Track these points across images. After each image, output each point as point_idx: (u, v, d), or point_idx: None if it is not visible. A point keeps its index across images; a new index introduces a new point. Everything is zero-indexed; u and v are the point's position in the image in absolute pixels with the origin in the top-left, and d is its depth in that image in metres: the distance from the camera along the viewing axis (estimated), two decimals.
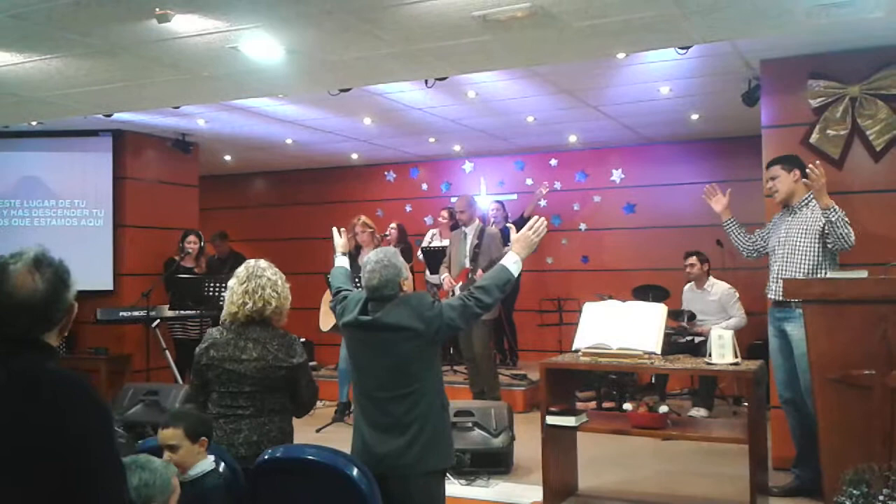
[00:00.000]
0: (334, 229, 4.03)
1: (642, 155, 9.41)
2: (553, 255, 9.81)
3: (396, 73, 5.58)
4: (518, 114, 7.62)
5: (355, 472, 2.90)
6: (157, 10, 4.02)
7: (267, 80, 5.52)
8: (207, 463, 2.91)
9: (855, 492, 3.09)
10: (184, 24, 4.29)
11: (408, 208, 10.64)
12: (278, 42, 4.66)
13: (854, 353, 3.60)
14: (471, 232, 6.99)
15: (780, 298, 4.63)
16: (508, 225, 3.98)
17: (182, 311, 7.54)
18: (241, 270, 3.46)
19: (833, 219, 4.51)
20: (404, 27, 4.41)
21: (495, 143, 9.17)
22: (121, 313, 7.42)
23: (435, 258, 7.62)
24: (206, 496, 2.83)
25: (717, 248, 8.25)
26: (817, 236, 4.69)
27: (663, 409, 4.86)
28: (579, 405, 5.65)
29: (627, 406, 5.49)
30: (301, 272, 8.08)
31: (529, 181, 9.91)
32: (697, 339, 6.97)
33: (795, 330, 4.54)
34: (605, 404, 7.33)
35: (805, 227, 4.75)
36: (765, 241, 5.11)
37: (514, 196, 9.87)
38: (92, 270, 8.03)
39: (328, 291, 3.69)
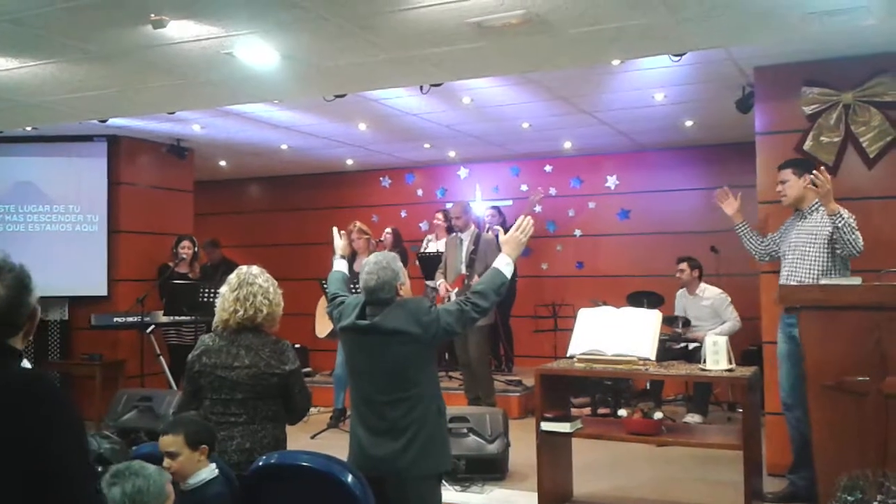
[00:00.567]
0: (335, 230, 4.03)
1: (637, 161, 9.43)
2: (548, 261, 9.82)
3: (391, 79, 5.59)
4: (513, 120, 7.64)
5: (350, 478, 2.89)
6: (153, 15, 4.02)
7: (262, 85, 5.52)
8: (209, 471, 2.90)
9: (849, 498, 3.09)
10: (179, 30, 4.29)
11: (403, 214, 10.64)
12: (273, 48, 4.67)
13: (848, 359, 3.61)
14: (467, 238, 6.99)
15: None
16: (497, 228, 3.99)
17: (176, 317, 7.52)
18: (232, 277, 3.45)
19: (839, 225, 4.48)
20: (399, 33, 4.41)
21: (490, 149, 9.18)
22: (115, 319, 7.40)
23: (430, 264, 7.62)
24: None
25: (712, 254, 8.28)
26: (826, 242, 4.65)
27: (658, 415, 4.86)
28: (574, 411, 5.66)
29: (622, 412, 5.51)
30: (296, 278, 8.07)
31: (524, 187, 9.92)
32: (692, 346, 6.98)
33: None
34: (600, 410, 7.33)
35: (814, 233, 4.72)
36: (777, 245, 5.06)
37: (510, 202, 9.87)
38: (86, 276, 8.03)
39: (324, 297, 3.69)
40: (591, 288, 9.13)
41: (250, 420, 3.28)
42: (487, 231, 7.56)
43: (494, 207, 9.14)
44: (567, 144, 9.01)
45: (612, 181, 9.56)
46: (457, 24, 4.24)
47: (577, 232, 9.73)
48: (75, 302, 8.15)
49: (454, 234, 7.28)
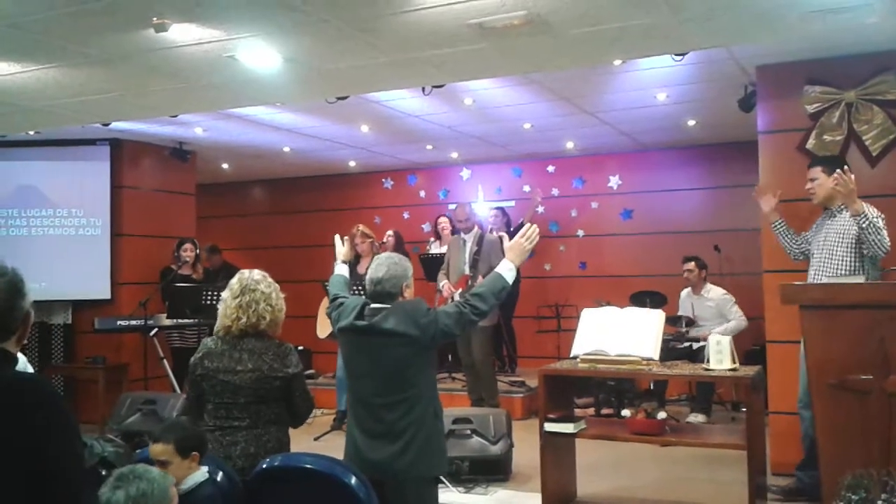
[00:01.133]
0: (336, 237, 4.04)
1: (639, 161, 9.43)
2: (551, 261, 9.82)
3: (393, 80, 5.59)
4: (515, 121, 7.64)
5: (353, 480, 2.89)
6: (155, 19, 4.03)
7: (264, 88, 5.52)
8: (200, 474, 2.90)
9: (853, 497, 3.08)
10: (181, 34, 4.29)
11: (405, 215, 10.64)
12: (275, 51, 4.67)
13: (851, 358, 3.60)
14: (470, 239, 6.99)
15: None
16: (502, 234, 3.99)
17: (180, 320, 7.53)
18: (234, 283, 3.43)
19: (864, 225, 4.41)
20: (401, 35, 4.42)
21: (493, 149, 9.19)
22: (118, 322, 7.41)
23: (433, 265, 7.62)
24: None
25: (715, 253, 8.27)
26: (854, 241, 4.60)
27: (661, 415, 4.87)
28: (577, 412, 5.65)
29: (626, 412, 5.51)
30: (298, 280, 8.08)
31: (527, 188, 9.92)
32: (695, 345, 6.97)
33: None
34: (604, 411, 7.33)
35: (842, 232, 4.66)
36: (809, 244, 5.00)
37: (512, 203, 9.88)
38: (89, 279, 8.04)
39: (326, 299, 3.70)
40: (594, 288, 9.13)
41: (254, 424, 3.28)
42: (491, 232, 7.56)
43: (499, 208, 9.14)
44: (569, 145, 9.01)
45: (614, 181, 9.56)
46: (458, 26, 4.24)
47: (580, 232, 9.73)
48: (79, 305, 8.17)
49: (457, 234, 7.28)
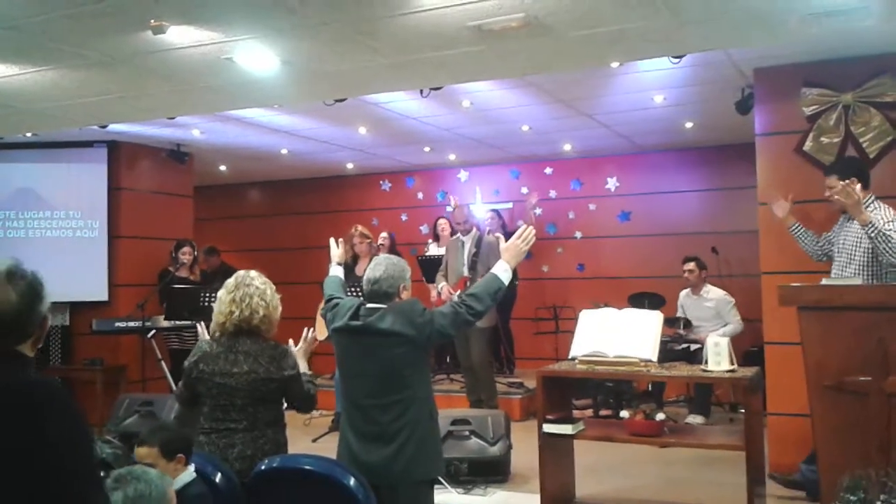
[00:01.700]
0: (332, 240, 4.04)
1: (637, 163, 9.44)
2: (549, 263, 9.82)
3: (391, 83, 5.59)
4: (513, 123, 7.64)
5: (352, 481, 2.90)
6: (153, 21, 4.03)
7: (262, 90, 5.52)
8: (187, 474, 2.89)
9: (852, 498, 3.09)
10: (179, 36, 4.29)
11: (403, 217, 10.64)
12: (273, 53, 4.67)
13: (850, 359, 3.61)
14: (468, 240, 7.00)
15: None
16: (499, 235, 4.00)
17: (177, 322, 7.52)
18: (230, 280, 3.44)
19: (872, 235, 4.35)
20: (399, 38, 4.42)
21: (490, 151, 9.19)
22: (116, 324, 7.40)
23: (431, 267, 7.62)
24: None
25: (713, 255, 8.28)
26: (870, 245, 4.53)
27: (660, 416, 4.87)
28: (576, 413, 5.65)
29: (624, 413, 5.50)
30: (296, 282, 8.08)
31: (524, 189, 9.92)
32: (694, 347, 6.98)
33: None
34: (602, 412, 7.33)
35: (860, 235, 4.59)
36: (831, 245, 4.95)
37: (510, 204, 9.89)
38: (87, 281, 8.03)
39: (323, 301, 3.70)
40: (592, 290, 9.13)
41: (251, 426, 3.27)
42: (488, 234, 7.56)
43: (494, 210, 9.15)
44: (567, 147, 9.02)
45: (612, 183, 9.56)
46: (456, 28, 4.24)
47: (578, 234, 9.73)
48: (76, 307, 8.16)
49: (455, 236, 7.29)
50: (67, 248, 8.02)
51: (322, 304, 3.67)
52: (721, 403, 7.71)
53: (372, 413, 3.26)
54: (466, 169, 10.32)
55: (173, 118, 6.97)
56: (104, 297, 8.12)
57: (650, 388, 7.49)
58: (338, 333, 3.39)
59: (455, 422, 5.50)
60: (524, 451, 5.49)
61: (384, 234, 8.45)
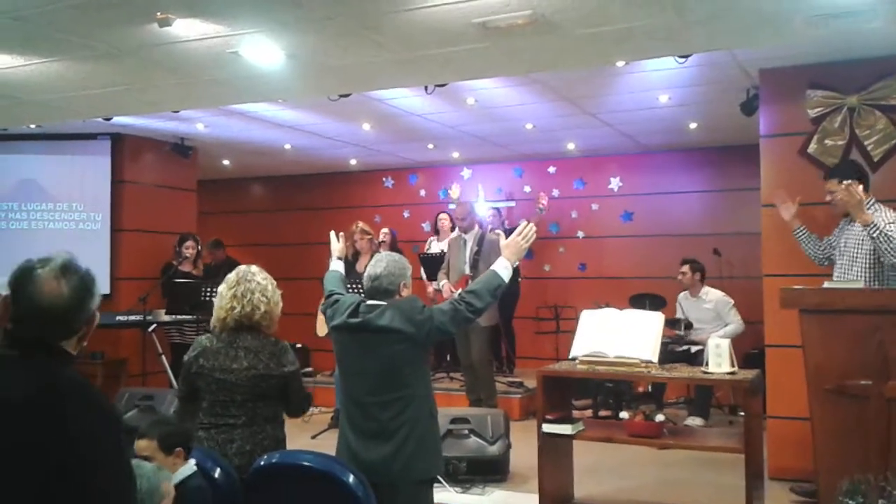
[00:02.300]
0: (332, 233, 4.04)
1: (640, 163, 9.43)
2: (550, 262, 9.82)
3: (396, 79, 5.59)
4: (517, 121, 7.64)
5: (351, 478, 2.89)
6: (159, 14, 4.03)
7: (267, 84, 5.52)
8: (188, 468, 2.89)
9: (851, 502, 3.09)
10: (185, 29, 4.29)
11: (406, 214, 10.64)
12: (279, 47, 4.67)
13: (850, 363, 3.61)
14: (470, 238, 6.99)
15: None
16: (499, 232, 3.99)
17: (179, 316, 7.52)
18: (231, 275, 3.44)
19: (874, 236, 4.40)
20: (405, 33, 4.41)
21: (494, 149, 9.18)
22: (117, 317, 7.40)
23: (433, 264, 7.62)
24: (188, 497, 2.81)
25: (715, 256, 8.27)
26: (872, 247, 4.57)
27: (660, 417, 4.87)
28: (576, 413, 5.64)
29: (624, 414, 5.51)
30: (298, 277, 8.10)
31: (528, 188, 9.93)
32: (694, 349, 6.97)
33: None
34: (602, 413, 7.32)
35: (862, 237, 4.64)
36: (833, 249, 4.98)
37: (513, 203, 9.89)
38: None
39: (324, 297, 3.70)
40: (593, 290, 9.13)
41: (250, 422, 3.26)
42: (490, 232, 7.55)
43: (494, 208, 9.15)
44: (570, 146, 9.01)
45: (615, 183, 9.55)
46: (462, 25, 4.23)
47: (580, 233, 9.73)
48: None
49: (458, 234, 7.28)
50: (70, 240, 8.00)
51: (323, 300, 3.66)
52: (721, 406, 7.70)
53: (371, 410, 3.25)
54: (470, 166, 10.32)
55: (178, 111, 6.98)
56: (106, 290, 8.10)
57: (650, 390, 7.48)
58: (337, 331, 3.38)
59: (454, 420, 5.50)
60: (523, 451, 5.49)
61: (385, 231, 8.45)
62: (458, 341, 6.90)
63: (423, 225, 10.38)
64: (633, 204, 9.46)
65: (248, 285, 3.37)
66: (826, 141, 5.43)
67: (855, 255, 4.71)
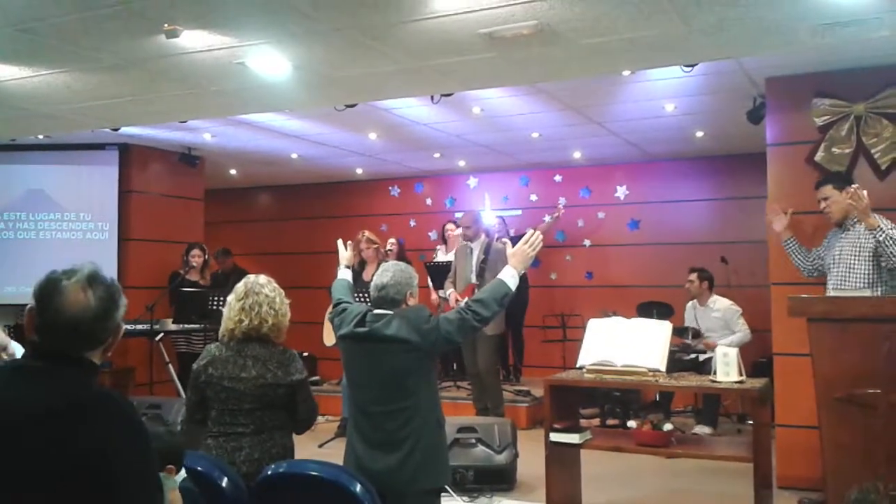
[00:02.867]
0: (339, 242, 4.04)
1: (647, 172, 9.42)
2: (557, 270, 9.81)
3: (402, 89, 5.60)
4: (523, 130, 7.64)
5: (358, 488, 2.88)
6: (166, 25, 4.05)
7: (273, 95, 5.54)
8: (179, 477, 2.87)
9: None
10: (192, 40, 4.31)
11: (412, 223, 10.65)
12: (285, 58, 4.69)
13: (859, 371, 3.60)
14: (477, 247, 6.99)
15: None
16: (505, 240, 3.99)
17: (186, 325, 7.54)
18: (239, 286, 3.45)
19: (881, 238, 4.48)
20: (411, 44, 4.43)
21: (500, 158, 9.19)
22: (125, 326, 7.40)
23: (440, 273, 7.62)
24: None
25: (722, 265, 8.25)
26: (870, 254, 4.66)
27: (667, 426, 4.84)
28: (583, 422, 5.63)
29: (632, 423, 5.49)
30: (305, 286, 8.10)
31: (534, 197, 9.93)
32: (702, 357, 6.95)
33: None
34: (609, 421, 7.31)
35: (859, 245, 4.72)
36: (822, 260, 5.06)
37: (519, 212, 9.88)
38: None
39: (331, 306, 3.71)
40: (600, 298, 9.11)
41: (258, 430, 3.27)
42: (497, 241, 7.55)
43: (499, 217, 9.15)
44: (577, 154, 9.01)
45: (621, 191, 9.55)
46: (468, 35, 4.25)
47: (587, 242, 9.72)
48: None
49: (464, 243, 7.28)
50: (77, 250, 8.03)
51: (330, 309, 3.67)
52: (729, 414, 7.67)
53: (378, 420, 3.26)
54: (476, 175, 10.33)
55: (185, 122, 7.00)
56: None
57: (658, 398, 7.47)
58: (344, 340, 3.39)
59: (461, 429, 5.49)
60: (530, 460, 5.47)
61: (392, 241, 8.45)
62: (464, 350, 6.90)
63: (430, 234, 10.39)
64: (640, 212, 9.45)
65: (257, 298, 3.38)
66: (833, 149, 5.42)
67: (852, 263, 4.73)
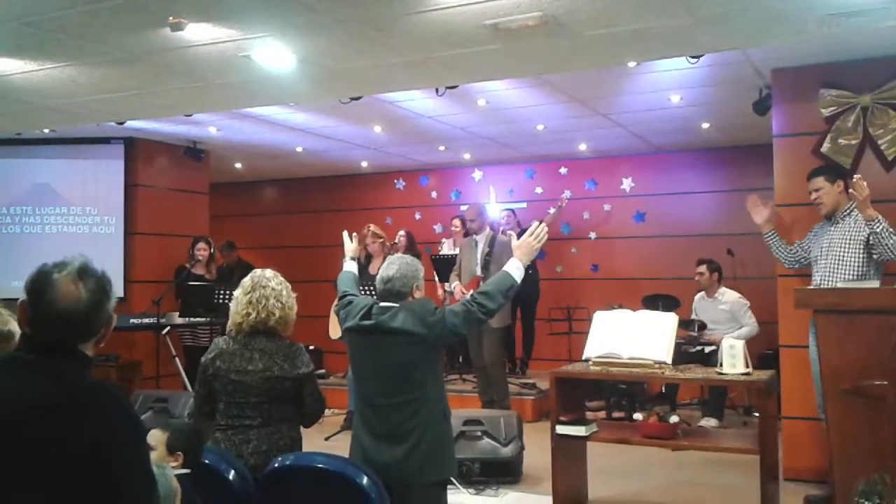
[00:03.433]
0: (345, 233, 4.04)
1: (652, 163, 9.40)
2: (562, 263, 9.80)
3: (407, 81, 5.59)
4: (528, 122, 7.63)
5: (365, 480, 2.89)
6: (171, 18, 4.04)
7: (278, 88, 5.54)
8: (181, 471, 2.88)
9: (867, 502, 3.07)
10: (197, 33, 4.31)
11: (417, 216, 10.65)
12: (290, 51, 4.68)
13: (866, 363, 3.58)
14: (482, 240, 6.99)
15: None
16: (510, 232, 3.99)
17: (192, 319, 7.56)
18: (246, 280, 3.47)
19: (878, 230, 4.52)
20: (416, 36, 4.42)
21: (505, 151, 9.18)
22: (131, 320, 7.43)
23: (445, 266, 7.62)
24: None
25: (728, 257, 8.23)
26: (862, 246, 4.70)
27: (674, 419, 4.84)
28: (589, 415, 5.63)
29: (637, 416, 5.49)
30: (310, 280, 8.09)
31: (539, 189, 9.92)
32: (708, 349, 6.94)
33: None
34: (615, 414, 7.31)
35: (849, 237, 4.75)
36: (806, 252, 5.10)
37: (524, 204, 9.87)
38: None
39: (337, 298, 3.71)
40: (605, 291, 9.11)
41: (265, 423, 3.29)
42: (502, 233, 7.55)
43: (509, 210, 9.13)
44: (582, 146, 8.99)
45: (627, 183, 9.53)
46: (473, 27, 4.23)
47: (592, 234, 9.71)
48: None
49: (469, 236, 7.28)
50: (84, 244, 8.04)
51: (336, 302, 3.66)
52: (735, 407, 7.67)
53: (385, 412, 3.26)
54: (481, 168, 10.32)
55: (190, 115, 7.00)
56: (120, 293, 8.15)
57: (664, 391, 7.46)
58: (350, 333, 3.40)
59: (467, 422, 5.49)
60: (537, 453, 5.48)
61: (402, 233, 8.43)
62: (470, 343, 6.90)
63: (435, 227, 10.38)
64: (646, 204, 9.43)
65: (264, 291, 3.39)
66: (840, 140, 5.40)
67: (842, 254, 4.75)
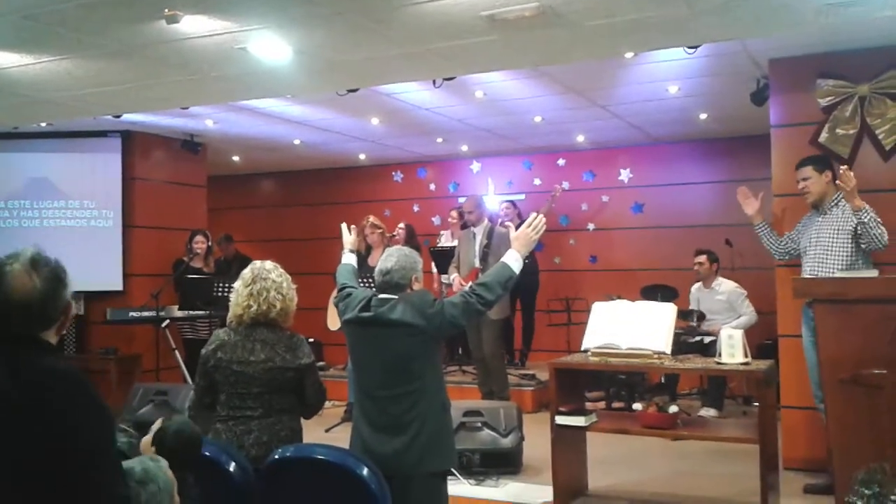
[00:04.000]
0: (343, 225, 4.04)
1: (650, 154, 9.40)
2: (561, 254, 9.81)
3: (404, 73, 5.59)
4: (526, 114, 7.62)
5: (365, 471, 2.90)
6: (167, 11, 4.03)
7: (275, 80, 5.52)
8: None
9: (867, 492, 3.08)
10: (193, 25, 4.30)
11: (415, 208, 10.65)
12: (286, 43, 4.67)
13: (864, 352, 3.58)
14: (480, 232, 6.99)
15: None
16: (508, 224, 3.99)
17: (191, 312, 7.56)
18: (246, 272, 3.47)
19: (866, 219, 4.55)
20: (412, 27, 4.41)
21: (503, 142, 9.17)
22: (130, 314, 7.43)
23: (444, 258, 7.62)
24: None
25: (726, 247, 8.24)
26: (850, 236, 4.72)
27: (673, 409, 4.85)
28: (588, 405, 5.64)
29: (637, 406, 5.49)
30: (309, 272, 8.09)
31: (537, 181, 9.91)
32: (707, 339, 6.95)
33: None
34: (615, 404, 7.32)
35: (837, 227, 4.78)
36: (796, 243, 5.12)
37: (522, 196, 9.86)
38: (101, 271, 8.07)
39: (336, 290, 3.71)
40: (604, 282, 9.11)
41: (266, 413, 3.30)
42: (501, 225, 7.55)
43: (510, 201, 9.13)
44: (580, 138, 8.99)
45: (625, 175, 9.53)
46: (470, 18, 4.23)
47: (591, 226, 9.71)
48: (91, 297, 8.19)
49: (467, 228, 7.28)
50: (82, 237, 8.06)
51: (335, 293, 3.67)
52: (734, 396, 7.69)
53: (384, 404, 3.27)
54: (479, 160, 10.31)
55: (187, 108, 6.99)
56: (119, 286, 8.16)
57: (663, 381, 7.47)
58: (349, 325, 3.40)
59: (467, 413, 5.50)
60: (536, 444, 5.49)
61: (401, 225, 8.41)
62: (469, 334, 6.91)
63: (433, 219, 10.38)
64: (644, 195, 9.43)
65: (264, 283, 3.40)
66: (837, 130, 5.40)
67: (830, 245, 4.78)
